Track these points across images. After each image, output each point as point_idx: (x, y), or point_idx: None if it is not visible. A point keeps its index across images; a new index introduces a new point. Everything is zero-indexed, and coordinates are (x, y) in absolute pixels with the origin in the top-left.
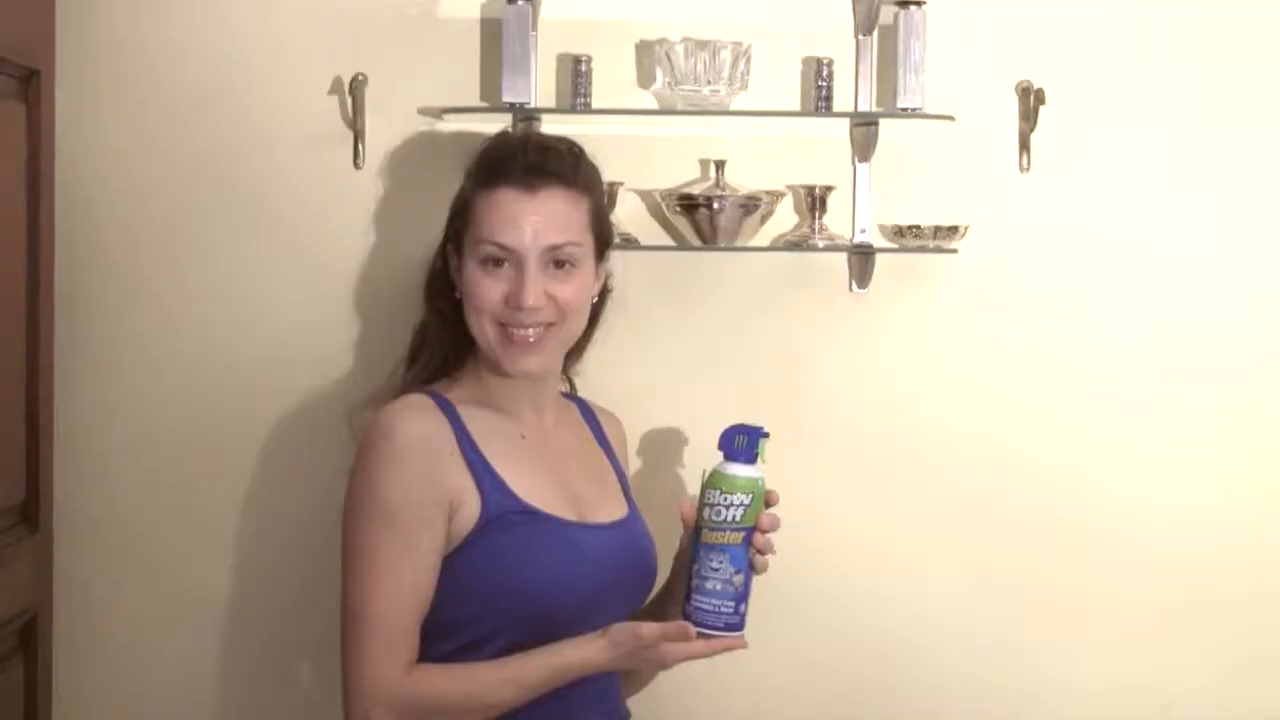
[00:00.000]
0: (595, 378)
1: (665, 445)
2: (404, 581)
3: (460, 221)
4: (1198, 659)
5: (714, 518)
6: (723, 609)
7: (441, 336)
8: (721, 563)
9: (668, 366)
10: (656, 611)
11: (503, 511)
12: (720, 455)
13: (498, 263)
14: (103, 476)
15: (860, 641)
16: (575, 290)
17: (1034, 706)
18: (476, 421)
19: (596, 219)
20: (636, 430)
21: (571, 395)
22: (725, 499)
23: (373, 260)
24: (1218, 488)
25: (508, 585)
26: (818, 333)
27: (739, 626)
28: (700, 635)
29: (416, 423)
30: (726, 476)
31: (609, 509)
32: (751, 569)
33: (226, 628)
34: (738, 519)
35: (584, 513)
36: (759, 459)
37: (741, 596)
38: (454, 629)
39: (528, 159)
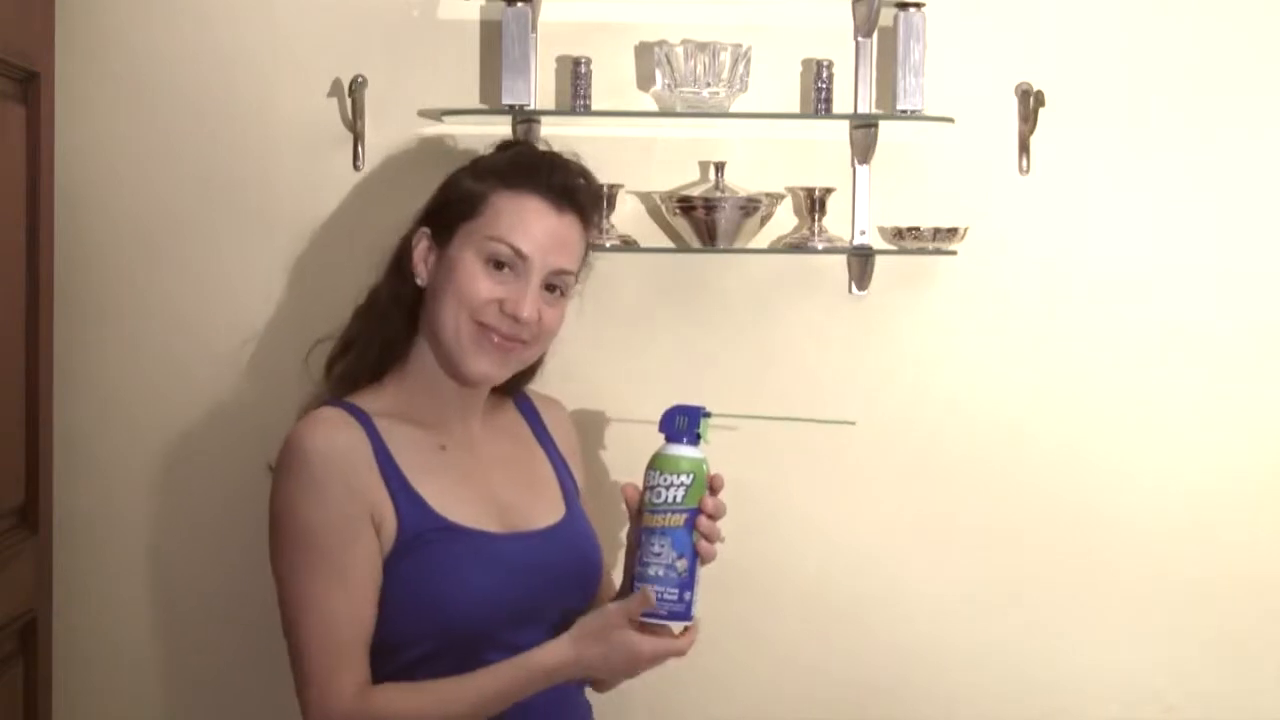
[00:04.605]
0: (594, 380)
1: None
2: (337, 607)
3: (463, 210)
4: (1201, 659)
5: (654, 500)
6: (666, 596)
7: (390, 320)
8: (663, 547)
9: (667, 369)
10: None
11: (420, 530)
12: (662, 439)
13: (500, 265)
14: (103, 477)
15: (862, 643)
16: (557, 316)
17: (1036, 707)
18: (393, 435)
19: (586, 255)
20: (634, 434)
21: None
22: (665, 479)
23: (372, 262)
24: (1220, 487)
25: (429, 604)
26: (817, 335)
27: (685, 615)
28: (644, 625)
29: (330, 437)
30: (667, 457)
31: (542, 514)
32: (697, 555)
33: (227, 628)
34: (678, 500)
35: (512, 522)
36: (701, 440)
37: (686, 583)
38: (391, 649)
39: (564, 180)
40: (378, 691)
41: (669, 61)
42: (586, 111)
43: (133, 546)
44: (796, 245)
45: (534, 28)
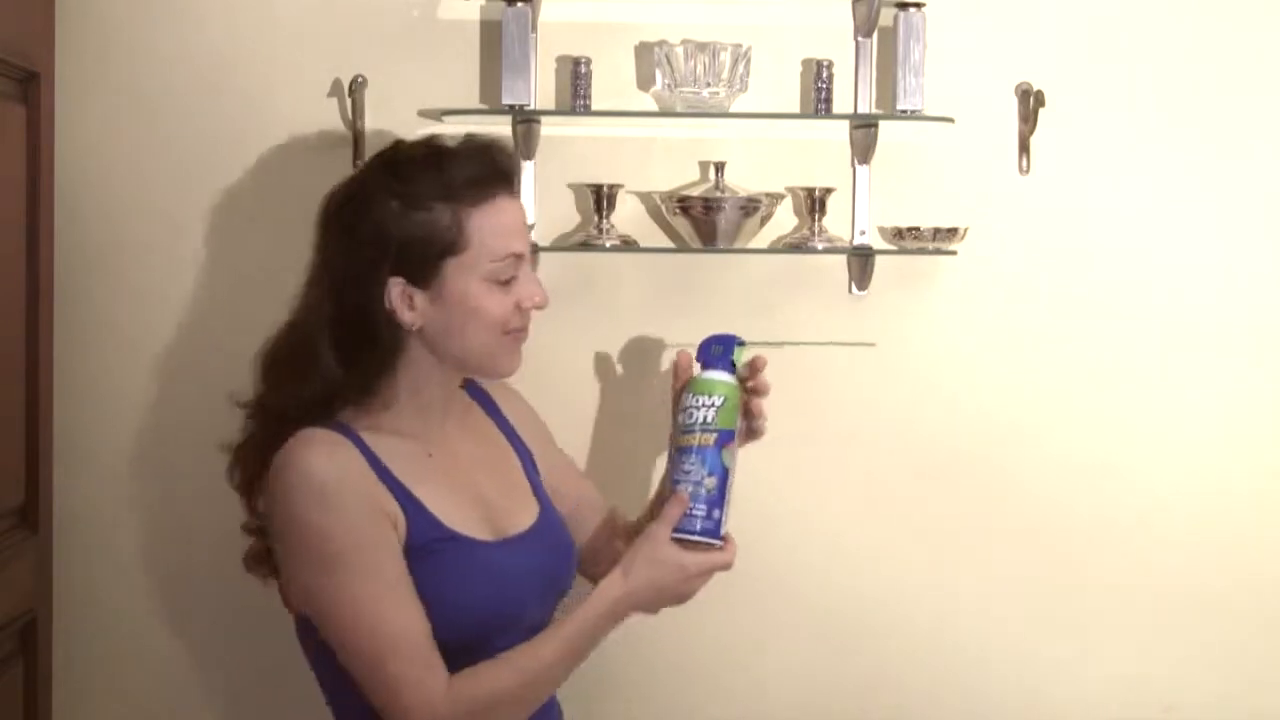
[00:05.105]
0: (594, 380)
1: (664, 449)
2: (401, 616)
3: (442, 249)
4: (1201, 659)
5: (687, 420)
6: (695, 512)
7: (376, 366)
8: (693, 465)
9: (667, 369)
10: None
11: (427, 539)
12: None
13: (507, 278)
14: (103, 477)
15: (861, 644)
16: None
17: (1036, 707)
18: (382, 447)
19: None
20: (635, 434)
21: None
22: (699, 401)
23: None
24: (1220, 487)
25: (434, 613)
26: (817, 335)
27: (714, 533)
28: (675, 540)
29: (330, 455)
30: (701, 380)
31: (522, 515)
32: (728, 474)
33: (227, 628)
34: (709, 420)
35: (500, 526)
36: (736, 367)
37: (714, 501)
38: None
39: (500, 162)
40: (463, 680)
41: (669, 61)
42: (586, 111)
43: (133, 546)
44: (796, 245)
45: (534, 28)
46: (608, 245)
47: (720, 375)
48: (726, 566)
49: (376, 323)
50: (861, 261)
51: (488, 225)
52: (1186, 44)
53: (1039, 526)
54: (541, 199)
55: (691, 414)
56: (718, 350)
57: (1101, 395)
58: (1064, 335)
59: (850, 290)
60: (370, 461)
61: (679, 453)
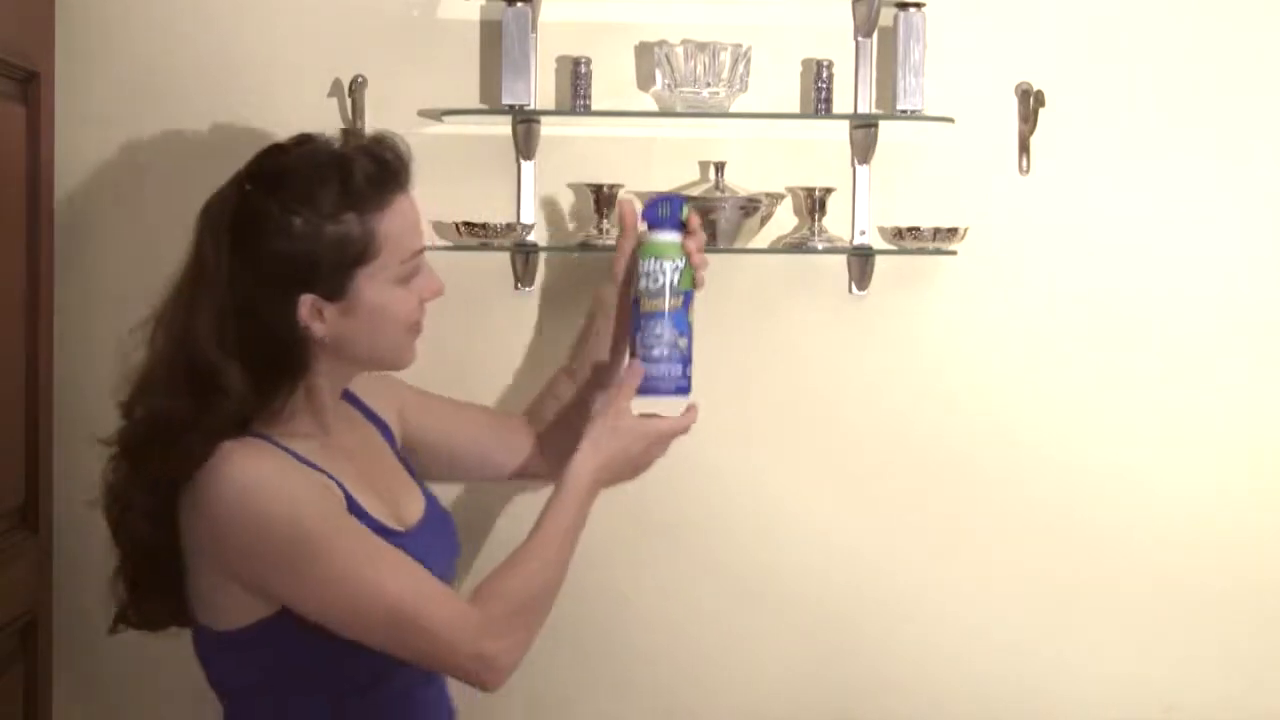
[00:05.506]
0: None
1: None
2: (391, 568)
3: (355, 258)
4: (1201, 659)
5: (651, 285)
6: (671, 373)
7: (291, 389)
8: (664, 328)
9: None
10: (580, 424)
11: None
12: (645, 227)
13: (411, 274)
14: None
15: (859, 645)
16: None
17: (1036, 707)
18: (300, 449)
19: None
20: None
21: None
22: (660, 265)
23: None
24: (1220, 488)
25: None
26: (817, 335)
27: (687, 390)
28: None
29: (263, 457)
30: (660, 243)
31: (414, 505)
32: (692, 331)
33: None
34: (675, 283)
35: (401, 517)
36: (685, 226)
37: (686, 359)
38: (307, 631)
39: (394, 157)
40: (486, 594)
41: (669, 61)
42: (586, 111)
43: None
44: (796, 245)
45: (534, 28)
46: (608, 245)
47: (675, 237)
48: (685, 431)
49: (289, 342)
50: (861, 261)
51: (395, 227)
52: (1186, 44)
53: (1039, 526)
54: (541, 199)
55: (656, 279)
56: (665, 210)
57: (1101, 395)
58: (1064, 335)
59: (850, 290)
60: (298, 460)
61: (645, 319)
